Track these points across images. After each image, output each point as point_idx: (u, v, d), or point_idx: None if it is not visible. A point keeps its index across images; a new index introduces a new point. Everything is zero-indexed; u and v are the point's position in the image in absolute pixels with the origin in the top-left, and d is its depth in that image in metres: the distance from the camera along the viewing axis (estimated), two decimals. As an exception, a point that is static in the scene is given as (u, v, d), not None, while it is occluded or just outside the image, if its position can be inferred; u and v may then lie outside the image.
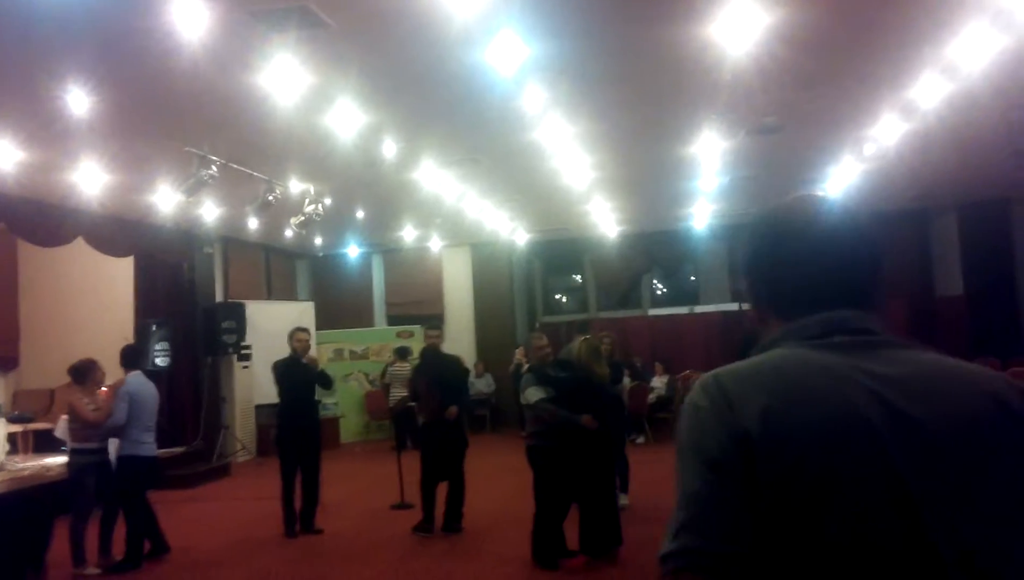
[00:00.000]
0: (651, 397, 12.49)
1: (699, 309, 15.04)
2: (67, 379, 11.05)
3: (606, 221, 13.22)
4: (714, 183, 10.64)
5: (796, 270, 1.21)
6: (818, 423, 1.07)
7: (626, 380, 11.60)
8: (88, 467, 6.38)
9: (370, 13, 5.04)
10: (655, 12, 5.23)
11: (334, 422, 14.16)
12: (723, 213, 13.08)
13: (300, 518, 7.49)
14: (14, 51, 5.33)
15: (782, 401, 1.09)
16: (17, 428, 9.95)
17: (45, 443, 9.80)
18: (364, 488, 9.67)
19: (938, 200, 12.48)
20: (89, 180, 8.30)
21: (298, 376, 7.56)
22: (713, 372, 1.18)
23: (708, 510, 1.06)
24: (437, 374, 7.25)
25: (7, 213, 8.80)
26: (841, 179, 10.59)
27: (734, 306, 14.57)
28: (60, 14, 4.75)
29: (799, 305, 1.21)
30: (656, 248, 14.89)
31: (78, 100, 6.07)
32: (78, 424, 6.39)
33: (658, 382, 12.94)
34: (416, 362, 8.90)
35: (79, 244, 9.90)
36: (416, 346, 11.25)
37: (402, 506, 8.17)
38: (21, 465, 9.20)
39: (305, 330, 7.90)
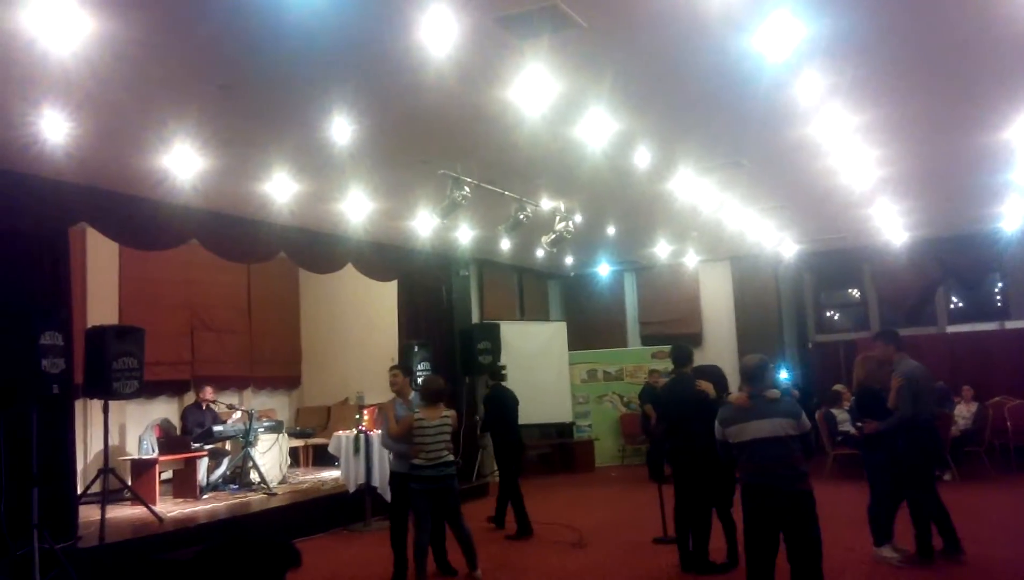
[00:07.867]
0: (954, 428, 10.71)
1: (1010, 325, 12.75)
2: (342, 397, 11.94)
3: (892, 226, 11.61)
4: (1034, 174, 8.84)
5: None
6: None
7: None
8: None
9: (623, 4, 4.57)
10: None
11: (588, 444, 13.86)
12: (1043, 211, 10.95)
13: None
14: (286, 87, 5.52)
15: None
16: (299, 443, 10.75)
17: (322, 457, 10.47)
18: (623, 518, 9.14)
19: None
20: (355, 208, 8.68)
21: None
22: None
23: None
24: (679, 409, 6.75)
25: (287, 244, 9.49)
26: None
27: (1056, 321, 12.17)
28: (320, 43, 4.79)
29: None
30: (953, 255, 12.87)
31: (341, 129, 6.23)
32: None
33: (964, 411, 11.15)
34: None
35: (348, 270, 10.49)
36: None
37: (665, 540, 7.55)
38: (301, 478, 9.94)
39: None
